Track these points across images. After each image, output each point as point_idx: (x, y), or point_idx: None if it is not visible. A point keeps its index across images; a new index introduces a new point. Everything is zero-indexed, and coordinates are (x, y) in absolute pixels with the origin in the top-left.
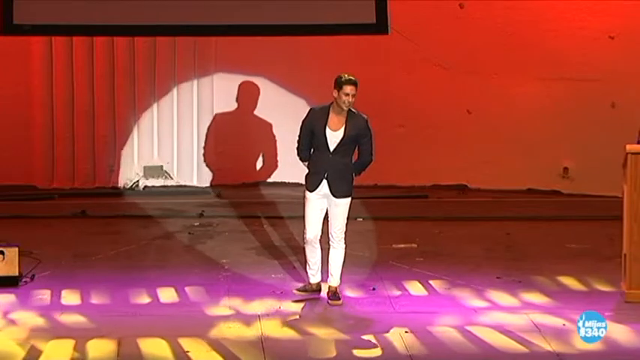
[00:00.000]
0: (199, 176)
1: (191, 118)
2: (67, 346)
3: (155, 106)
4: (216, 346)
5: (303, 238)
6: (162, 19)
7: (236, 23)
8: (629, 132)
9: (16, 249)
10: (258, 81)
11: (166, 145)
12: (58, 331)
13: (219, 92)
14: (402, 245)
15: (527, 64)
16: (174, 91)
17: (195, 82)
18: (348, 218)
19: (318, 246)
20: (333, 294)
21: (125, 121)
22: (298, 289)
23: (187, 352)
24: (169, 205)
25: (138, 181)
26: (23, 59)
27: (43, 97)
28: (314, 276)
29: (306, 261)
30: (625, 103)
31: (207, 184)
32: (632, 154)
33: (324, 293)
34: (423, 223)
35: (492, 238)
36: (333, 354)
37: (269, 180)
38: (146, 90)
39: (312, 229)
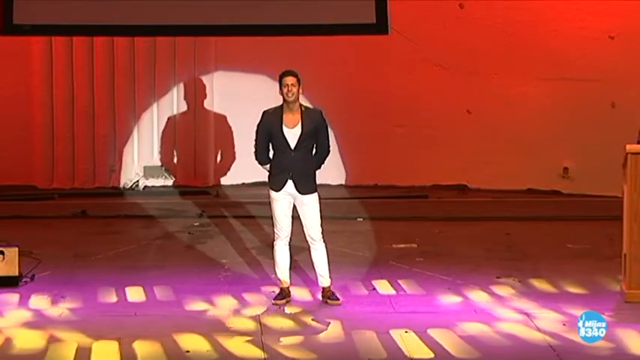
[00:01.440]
0: (199, 176)
1: (192, 118)
2: (65, 346)
3: (155, 106)
4: (216, 345)
5: (274, 239)
6: (162, 19)
7: (236, 23)
8: (629, 132)
9: (16, 249)
10: (259, 81)
11: (166, 145)
12: (57, 332)
13: (219, 92)
14: (402, 245)
15: (527, 64)
16: (174, 91)
17: (195, 82)
18: (321, 217)
19: (288, 246)
20: (331, 294)
21: (125, 121)
22: (276, 300)
23: (187, 351)
24: (169, 205)
25: (138, 181)
26: (23, 59)
27: (43, 97)
28: (286, 278)
29: (274, 264)
30: (625, 103)
31: (208, 184)
32: (632, 154)
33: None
34: (423, 223)
35: (492, 238)
36: (333, 354)
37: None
38: (146, 90)
39: (284, 228)
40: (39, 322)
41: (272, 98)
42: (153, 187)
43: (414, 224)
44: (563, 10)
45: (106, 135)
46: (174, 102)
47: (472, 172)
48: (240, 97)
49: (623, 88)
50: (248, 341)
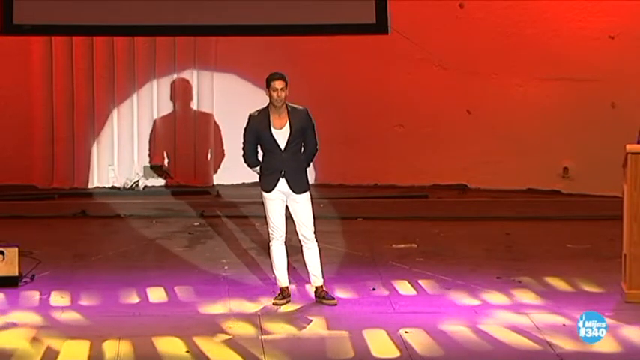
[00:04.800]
0: (199, 176)
1: (192, 118)
2: (66, 346)
3: (155, 106)
4: (216, 345)
5: (270, 239)
6: (162, 19)
7: (236, 23)
8: (629, 132)
9: (16, 249)
10: (259, 80)
11: (166, 144)
12: (58, 332)
13: (219, 92)
14: (402, 245)
15: (527, 64)
16: (174, 91)
17: (195, 82)
18: (314, 216)
19: (284, 246)
20: (326, 294)
21: (125, 121)
22: (276, 300)
23: (187, 351)
24: (169, 205)
25: (138, 181)
26: (23, 59)
27: (43, 97)
28: (284, 278)
29: (272, 264)
30: (625, 103)
31: (208, 184)
32: (632, 154)
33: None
34: (423, 223)
35: (492, 238)
36: (333, 354)
37: None
38: (146, 90)
39: (279, 228)
40: (39, 322)
41: None
42: (153, 187)
43: (414, 224)
44: (563, 10)
45: (105, 135)
46: (174, 102)
47: (472, 172)
48: (241, 97)
49: (623, 88)
50: (248, 341)
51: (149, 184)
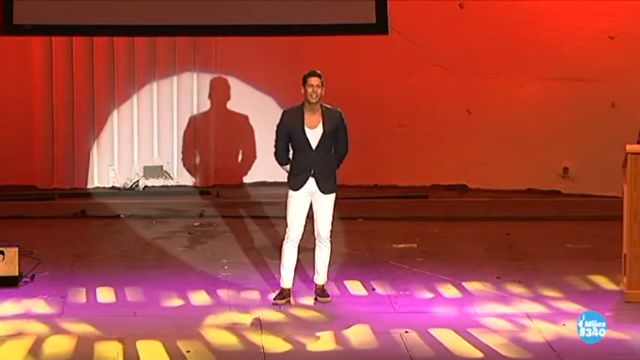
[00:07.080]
0: (199, 176)
1: (192, 117)
2: (66, 346)
3: (155, 106)
4: (216, 346)
5: (285, 238)
6: (162, 19)
7: (236, 23)
8: (629, 132)
9: (16, 249)
10: (259, 81)
11: (166, 145)
12: (57, 332)
13: (219, 92)
14: (402, 245)
15: (527, 64)
16: (174, 91)
17: (195, 82)
18: (333, 217)
19: (296, 248)
20: (322, 291)
21: (125, 121)
22: (276, 300)
23: (188, 351)
24: (169, 205)
25: (138, 181)
26: (23, 59)
27: (43, 97)
28: (289, 279)
29: (280, 263)
30: (625, 103)
31: (208, 184)
32: (632, 154)
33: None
34: (423, 223)
35: (492, 238)
36: (333, 354)
37: (269, 180)
38: (146, 90)
39: (297, 228)
40: (38, 322)
41: (270, 99)
42: (153, 187)
43: (414, 224)
44: (563, 10)
45: (105, 135)
46: (174, 102)
47: (472, 172)
48: (240, 97)
49: (623, 88)
50: (248, 341)
51: (149, 184)
